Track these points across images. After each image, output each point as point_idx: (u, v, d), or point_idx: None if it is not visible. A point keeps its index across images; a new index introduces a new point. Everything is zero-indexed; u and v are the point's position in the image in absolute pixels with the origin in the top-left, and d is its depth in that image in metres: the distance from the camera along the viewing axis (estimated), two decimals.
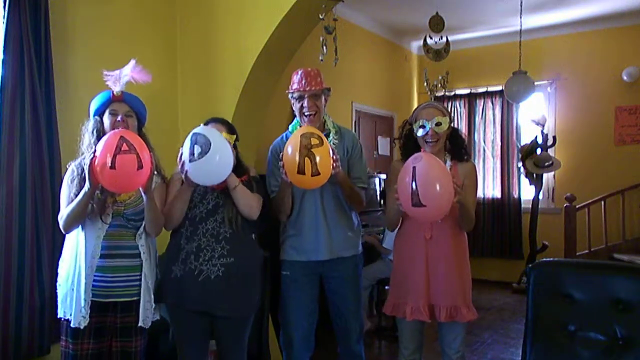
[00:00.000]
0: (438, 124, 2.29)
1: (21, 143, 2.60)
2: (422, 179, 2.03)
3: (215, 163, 2.07)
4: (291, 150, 2.20)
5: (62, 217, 2.12)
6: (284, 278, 2.62)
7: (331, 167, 2.24)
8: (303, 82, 2.46)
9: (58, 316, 2.19)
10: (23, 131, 2.61)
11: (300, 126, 2.55)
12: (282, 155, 2.27)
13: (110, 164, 1.92)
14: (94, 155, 1.97)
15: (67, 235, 2.19)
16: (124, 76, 2.23)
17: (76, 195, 2.08)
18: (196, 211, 2.26)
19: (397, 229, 2.52)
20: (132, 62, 2.25)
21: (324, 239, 2.53)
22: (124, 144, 1.94)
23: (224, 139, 2.13)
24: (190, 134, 2.11)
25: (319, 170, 2.17)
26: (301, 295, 2.58)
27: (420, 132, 2.33)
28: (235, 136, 2.30)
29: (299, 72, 2.49)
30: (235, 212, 2.26)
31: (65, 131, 2.69)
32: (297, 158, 2.16)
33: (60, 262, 2.24)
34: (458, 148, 2.41)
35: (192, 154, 2.06)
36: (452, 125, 2.40)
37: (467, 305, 2.34)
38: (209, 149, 2.04)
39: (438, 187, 2.04)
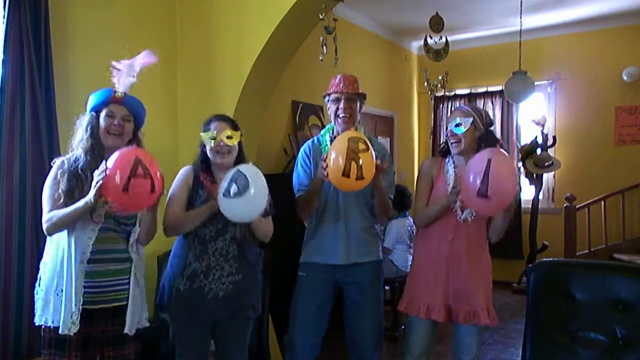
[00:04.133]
0: (457, 125, 2.31)
1: (21, 143, 2.60)
2: (495, 171, 2.03)
3: (248, 206, 2.05)
4: (338, 153, 2.22)
5: (49, 220, 1.98)
6: (299, 278, 2.62)
7: (373, 172, 2.27)
8: (341, 85, 2.55)
9: (38, 323, 2.04)
10: (23, 131, 2.60)
11: (334, 130, 2.61)
12: (326, 156, 2.29)
13: (123, 187, 1.84)
14: (105, 172, 1.88)
15: (50, 237, 2.07)
16: (131, 76, 2.15)
17: (66, 192, 1.98)
18: (205, 230, 2.22)
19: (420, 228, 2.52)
20: (144, 52, 2.19)
21: (341, 244, 2.53)
22: (139, 167, 1.87)
23: (262, 182, 2.09)
24: (234, 169, 2.09)
25: (363, 174, 2.20)
26: (312, 298, 2.57)
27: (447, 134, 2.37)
28: (239, 132, 2.27)
29: (338, 77, 2.58)
30: (241, 231, 2.24)
31: (65, 131, 2.68)
32: (344, 161, 2.18)
33: (42, 265, 2.09)
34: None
35: (227, 191, 2.03)
36: (484, 126, 2.37)
37: (486, 309, 2.34)
38: (245, 191, 2.01)
39: (508, 184, 2.07)
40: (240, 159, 2.28)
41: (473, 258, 2.35)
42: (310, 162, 2.61)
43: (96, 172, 1.92)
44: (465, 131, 2.31)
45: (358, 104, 2.60)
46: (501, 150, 2.20)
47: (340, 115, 2.54)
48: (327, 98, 2.60)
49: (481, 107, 6.70)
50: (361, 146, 2.21)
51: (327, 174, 2.26)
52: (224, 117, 2.30)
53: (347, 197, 2.53)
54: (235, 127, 2.26)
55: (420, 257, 2.45)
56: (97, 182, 1.90)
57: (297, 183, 2.63)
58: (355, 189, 2.35)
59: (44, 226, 2.01)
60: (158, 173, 1.96)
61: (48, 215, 2.00)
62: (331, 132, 2.64)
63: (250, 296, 2.30)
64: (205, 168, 2.27)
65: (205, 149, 2.25)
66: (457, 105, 6.89)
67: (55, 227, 1.99)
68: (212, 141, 2.19)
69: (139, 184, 1.87)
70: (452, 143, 2.34)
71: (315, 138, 2.70)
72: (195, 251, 2.22)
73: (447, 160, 2.42)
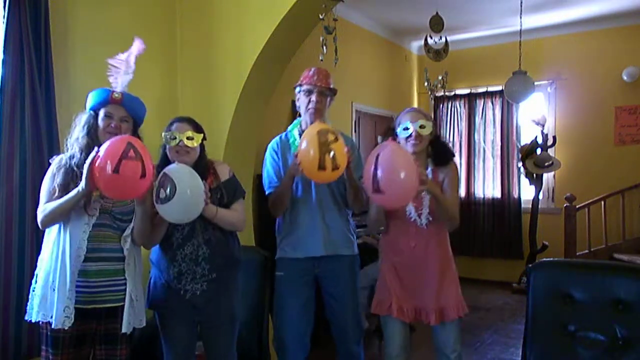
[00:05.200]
0: (422, 127, 2.31)
1: (21, 143, 2.60)
2: (383, 166, 2.06)
3: (182, 206, 2.02)
4: (309, 147, 2.23)
5: (43, 211, 2.00)
6: (279, 279, 2.62)
7: (347, 161, 2.30)
8: (315, 77, 2.54)
9: (34, 319, 2.04)
10: (23, 131, 2.60)
11: (302, 124, 2.60)
12: (297, 152, 2.30)
13: (113, 168, 1.85)
14: (96, 156, 1.90)
15: (47, 233, 2.08)
16: (129, 74, 2.16)
17: (61, 185, 2.00)
18: (172, 239, 2.23)
19: (381, 236, 2.55)
20: (136, 42, 2.20)
21: (320, 235, 2.54)
22: (131, 150, 1.88)
23: (192, 176, 2.06)
24: (161, 173, 2.06)
25: (338, 164, 2.23)
26: (296, 297, 2.57)
27: (404, 134, 2.34)
28: (202, 135, 2.26)
29: (312, 69, 2.57)
30: (210, 233, 2.24)
31: (65, 131, 2.68)
32: (318, 154, 2.20)
33: (39, 262, 2.11)
34: (440, 153, 2.43)
35: (158, 197, 2.01)
36: (435, 132, 2.42)
37: (455, 305, 2.36)
38: (174, 193, 1.98)
39: (398, 175, 2.07)
40: (201, 162, 2.27)
41: (437, 261, 2.37)
42: (279, 158, 2.61)
43: (88, 158, 1.93)
44: (428, 133, 2.34)
45: (328, 99, 2.60)
46: (392, 142, 2.22)
47: (311, 108, 2.53)
48: (298, 89, 2.59)
49: (481, 107, 6.76)
50: (331, 137, 2.23)
51: (302, 169, 2.27)
52: (186, 118, 2.29)
53: (321, 190, 2.54)
54: (197, 129, 2.25)
55: (387, 262, 2.47)
56: (88, 164, 1.91)
57: (267, 181, 2.63)
58: (331, 180, 2.37)
59: (39, 218, 2.03)
60: (150, 161, 1.96)
61: (42, 207, 2.02)
62: (299, 126, 2.63)
63: (229, 293, 2.30)
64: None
65: (166, 150, 2.24)
66: (457, 105, 6.90)
67: (49, 218, 2.00)
68: (172, 141, 2.19)
69: (130, 166, 1.87)
70: (412, 143, 2.33)
71: (283, 134, 2.70)
72: (167, 258, 2.24)
73: None
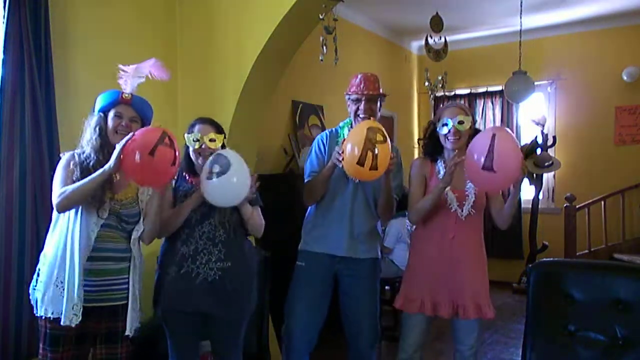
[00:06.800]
0: (460, 122, 2.32)
1: (21, 143, 2.60)
2: (501, 145, 2.06)
3: (230, 186, 2.09)
4: (355, 140, 2.23)
5: (62, 194, 1.97)
6: (297, 268, 2.63)
7: (388, 165, 2.28)
8: (361, 85, 2.54)
9: (39, 314, 2.04)
10: (23, 131, 2.60)
11: (352, 125, 2.61)
12: (343, 143, 2.31)
13: (150, 151, 1.91)
14: (131, 138, 1.95)
15: (51, 230, 2.09)
16: (139, 77, 2.20)
17: (80, 179, 1.99)
18: (192, 214, 2.24)
19: (415, 228, 2.56)
20: (152, 60, 2.24)
21: (345, 237, 2.55)
22: (166, 138, 1.96)
23: (244, 165, 2.13)
24: (215, 153, 2.14)
25: (377, 165, 2.21)
26: (311, 288, 2.57)
27: (443, 130, 2.35)
28: (223, 135, 2.30)
29: (358, 76, 2.57)
30: (228, 216, 2.26)
31: (65, 131, 2.69)
32: (360, 150, 2.19)
33: (42, 257, 2.10)
34: None
35: (210, 172, 2.07)
36: (474, 126, 2.42)
37: (488, 304, 2.39)
38: (227, 170, 2.05)
39: (514, 158, 2.10)
40: None
41: (474, 255, 2.38)
42: (325, 150, 2.62)
43: (122, 140, 1.97)
44: (468, 128, 2.34)
45: (378, 104, 2.60)
46: (505, 127, 2.25)
47: (361, 116, 2.54)
48: (347, 97, 2.61)
49: (481, 107, 6.76)
50: (379, 137, 2.21)
51: (342, 159, 2.28)
52: (208, 120, 2.32)
53: (357, 194, 2.55)
54: (219, 130, 2.29)
55: (421, 256, 2.46)
56: (121, 145, 1.95)
57: (308, 169, 2.65)
58: (366, 179, 2.36)
59: (56, 202, 2.00)
60: (179, 152, 2.04)
61: (61, 190, 2.00)
62: (349, 126, 2.63)
63: (240, 288, 2.28)
64: (188, 169, 2.31)
65: (189, 150, 2.28)
66: None
67: (69, 200, 1.98)
68: (196, 143, 2.22)
69: (165, 152, 1.95)
70: (451, 139, 2.34)
71: (333, 129, 2.72)
72: (183, 236, 2.24)
73: (438, 161, 2.44)
